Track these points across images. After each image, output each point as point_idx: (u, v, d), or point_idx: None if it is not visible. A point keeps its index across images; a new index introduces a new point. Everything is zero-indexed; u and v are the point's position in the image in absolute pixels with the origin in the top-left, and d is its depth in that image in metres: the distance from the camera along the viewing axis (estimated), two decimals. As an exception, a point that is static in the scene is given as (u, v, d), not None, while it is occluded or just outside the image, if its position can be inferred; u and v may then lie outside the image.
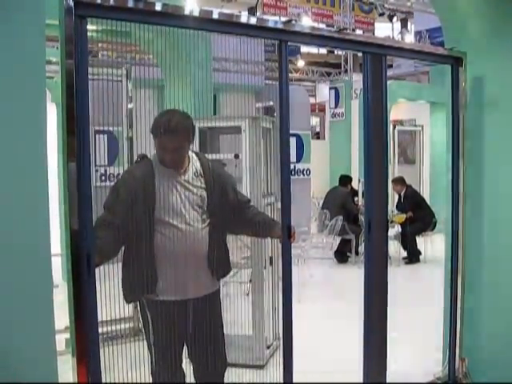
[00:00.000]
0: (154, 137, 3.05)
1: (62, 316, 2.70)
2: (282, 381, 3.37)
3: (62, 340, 3.68)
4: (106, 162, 7.93)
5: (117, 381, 3.08)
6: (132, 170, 3.27)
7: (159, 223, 3.00)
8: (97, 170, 7.80)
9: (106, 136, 6.93)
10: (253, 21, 3.19)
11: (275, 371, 3.52)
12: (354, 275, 5.95)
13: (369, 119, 3.57)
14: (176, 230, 3.01)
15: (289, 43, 3.20)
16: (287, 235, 3.27)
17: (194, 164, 3.17)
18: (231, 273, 5.92)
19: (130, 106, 5.49)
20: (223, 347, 3.33)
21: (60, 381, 2.64)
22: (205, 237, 3.10)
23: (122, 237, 2.96)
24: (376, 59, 3.53)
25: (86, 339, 2.66)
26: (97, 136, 6.62)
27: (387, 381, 3.71)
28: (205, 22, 2.98)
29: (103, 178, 8.05)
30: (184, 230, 3.02)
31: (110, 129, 6.50)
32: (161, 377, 3.13)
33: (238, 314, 4.46)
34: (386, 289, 3.66)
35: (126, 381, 3.19)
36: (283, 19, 3.24)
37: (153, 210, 2.97)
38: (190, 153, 3.18)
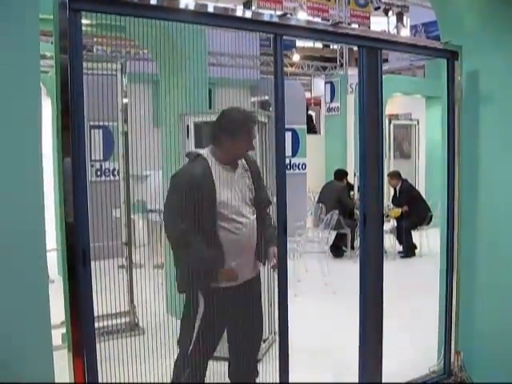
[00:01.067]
0: (234, 134, 3.29)
1: (57, 311, 2.70)
2: (277, 374, 3.40)
3: (57, 335, 3.67)
4: (102, 157, 7.95)
5: (113, 375, 3.09)
6: (189, 169, 3.37)
7: (221, 217, 3.26)
8: (92, 165, 7.82)
9: (101, 131, 6.94)
10: (248, 14, 3.20)
11: (271, 365, 3.54)
12: (349, 269, 5.97)
13: (364, 113, 3.57)
14: (235, 223, 3.30)
15: (284, 37, 3.20)
16: (282, 229, 3.28)
17: (241, 162, 3.46)
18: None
19: (125, 100, 5.47)
20: (261, 320, 3.63)
21: (56, 376, 2.64)
22: (255, 227, 3.42)
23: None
24: (371, 53, 3.53)
25: (82, 334, 2.68)
26: (92, 131, 6.63)
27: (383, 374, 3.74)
28: (200, 16, 2.98)
29: (98, 173, 8.07)
30: (242, 222, 3.32)
31: (106, 124, 6.50)
32: (196, 358, 3.38)
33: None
34: (381, 282, 3.68)
35: (121, 375, 3.21)
36: (278, 13, 3.23)
37: (214, 205, 3.23)
38: None
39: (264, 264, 3.55)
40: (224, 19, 3.05)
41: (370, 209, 3.63)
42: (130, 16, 2.82)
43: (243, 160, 3.46)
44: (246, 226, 3.34)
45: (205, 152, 3.38)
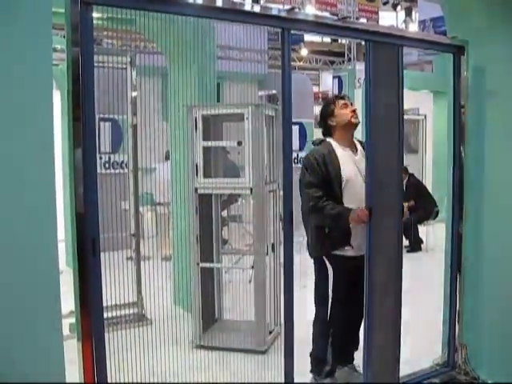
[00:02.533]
0: (330, 113, 3.85)
1: (65, 301, 2.73)
2: (283, 366, 3.44)
3: (65, 325, 3.73)
4: (110, 150, 7.98)
5: (121, 365, 3.14)
6: (318, 150, 3.85)
7: (345, 192, 3.71)
8: (101, 158, 7.85)
9: (110, 124, 6.98)
10: (256, 9, 3.22)
11: (277, 357, 3.58)
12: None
13: (371, 109, 3.56)
14: (357, 198, 3.64)
15: (292, 31, 3.22)
16: (289, 218, 3.31)
17: (359, 147, 3.88)
18: (236, 258, 5.99)
19: (134, 93, 5.51)
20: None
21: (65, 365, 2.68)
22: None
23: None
24: (381, 48, 3.53)
25: (91, 323, 2.71)
26: (101, 124, 6.68)
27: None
28: (208, 10, 3.00)
29: (107, 165, 8.10)
30: (361, 199, 3.59)
31: (114, 116, 6.55)
32: (338, 317, 3.78)
33: (240, 299, 4.52)
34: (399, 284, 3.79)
35: (129, 365, 3.26)
36: (286, 7, 3.25)
37: (340, 179, 3.70)
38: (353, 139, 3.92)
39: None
40: (232, 13, 3.07)
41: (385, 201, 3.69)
42: (140, 9, 2.84)
43: (359, 145, 3.89)
44: (364, 203, 3.58)
45: (328, 139, 3.89)
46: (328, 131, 3.91)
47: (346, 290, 3.73)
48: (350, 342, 4.01)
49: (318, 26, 3.36)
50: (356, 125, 3.83)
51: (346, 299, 3.73)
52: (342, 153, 3.79)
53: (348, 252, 3.73)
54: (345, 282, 3.72)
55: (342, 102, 3.84)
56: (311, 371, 3.93)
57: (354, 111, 3.81)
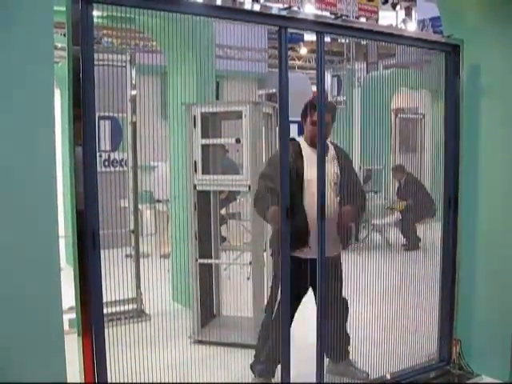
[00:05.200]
0: (305, 117, 3.83)
1: (65, 297, 2.75)
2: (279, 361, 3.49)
3: (65, 321, 3.76)
4: (110, 148, 7.99)
5: (119, 360, 3.17)
6: None
7: (306, 193, 3.67)
8: (100, 156, 7.86)
9: (109, 122, 6.99)
10: (255, 7, 3.24)
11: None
12: (353, 260, 6.00)
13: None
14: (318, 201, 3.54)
15: (289, 30, 3.26)
16: (285, 214, 3.36)
17: (330, 150, 3.81)
18: (234, 255, 6.03)
19: (133, 92, 5.54)
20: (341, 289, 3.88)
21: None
22: (337, 208, 3.73)
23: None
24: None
25: (92, 317, 2.75)
26: (100, 122, 6.71)
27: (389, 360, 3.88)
28: (207, 8, 3.04)
29: (106, 163, 8.11)
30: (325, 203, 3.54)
31: (114, 115, 6.57)
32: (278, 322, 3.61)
33: (239, 296, 4.56)
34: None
35: (128, 360, 3.29)
36: (283, 6, 3.28)
37: (302, 180, 3.68)
38: (327, 141, 3.78)
39: (343, 245, 3.91)
40: (229, 12, 3.10)
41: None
42: (140, 8, 2.88)
43: (333, 149, 3.86)
44: (329, 208, 3.55)
45: (299, 139, 3.87)
46: (302, 130, 3.91)
47: (297, 295, 3.68)
48: (337, 340, 3.88)
49: (315, 24, 3.39)
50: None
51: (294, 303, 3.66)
52: (309, 154, 3.74)
53: (304, 254, 3.66)
54: (298, 286, 3.62)
55: (314, 118, 3.68)
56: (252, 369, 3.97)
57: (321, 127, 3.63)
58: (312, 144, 3.74)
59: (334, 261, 3.81)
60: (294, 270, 3.49)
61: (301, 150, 3.78)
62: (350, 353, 4.11)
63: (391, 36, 3.72)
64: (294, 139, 3.80)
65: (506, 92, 3.88)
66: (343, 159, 3.88)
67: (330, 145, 3.86)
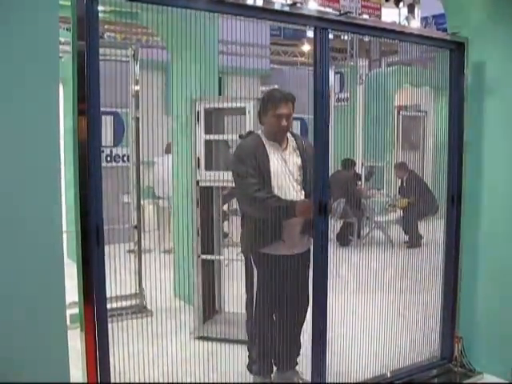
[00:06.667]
0: (265, 111, 3.62)
1: (67, 292, 2.74)
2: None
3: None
4: (112, 143, 8.00)
5: (121, 355, 3.17)
6: (247, 141, 3.74)
7: (275, 186, 3.56)
8: (102, 151, 7.87)
9: (112, 117, 7.00)
10: (257, 2, 3.22)
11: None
12: (355, 257, 6.01)
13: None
14: (282, 192, 3.55)
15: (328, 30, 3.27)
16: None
17: (291, 143, 3.70)
18: (235, 252, 6.01)
19: (136, 87, 5.53)
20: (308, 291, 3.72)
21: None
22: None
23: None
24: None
25: (95, 312, 2.75)
26: (103, 117, 6.70)
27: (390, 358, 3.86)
28: (213, 4, 3.02)
29: (108, 158, 8.13)
30: (286, 193, 3.55)
31: (116, 110, 6.57)
32: (260, 319, 3.69)
33: (238, 292, 4.54)
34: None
35: (130, 355, 3.30)
36: (289, 2, 3.25)
37: (269, 176, 3.55)
38: (287, 133, 3.70)
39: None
40: (234, 7, 3.08)
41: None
42: (145, 3, 2.86)
43: (294, 143, 3.71)
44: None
45: (259, 131, 3.75)
46: (261, 123, 3.75)
47: (272, 293, 3.61)
48: (288, 346, 3.78)
49: (317, 20, 3.34)
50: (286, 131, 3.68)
51: (271, 303, 3.64)
52: (269, 146, 3.62)
53: (279, 250, 3.58)
54: (272, 284, 3.58)
55: (278, 111, 3.56)
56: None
57: (287, 122, 3.60)
58: (272, 138, 3.64)
59: (303, 258, 3.69)
60: (271, 269, 3.52)
61: (263, 143, 3.63)
62: (351, 351, 4.09)
63: (396, 33, 3.69)
64: (252, 132, 3.85)
65: (511, 91, 3.87)
66: (305, 150, 3.71)
67: (289, 136, 3.74)
